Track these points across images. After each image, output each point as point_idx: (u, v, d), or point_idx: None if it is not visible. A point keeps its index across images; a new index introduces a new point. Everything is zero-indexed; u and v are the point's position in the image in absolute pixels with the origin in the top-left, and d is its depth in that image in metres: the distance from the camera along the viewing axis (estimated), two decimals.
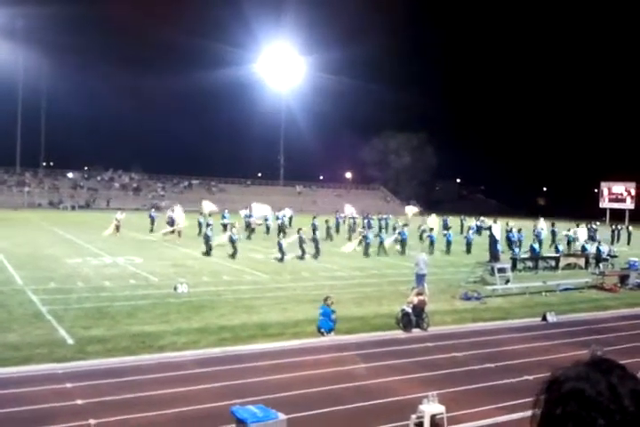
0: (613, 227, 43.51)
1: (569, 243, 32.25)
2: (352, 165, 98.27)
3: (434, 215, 37.92)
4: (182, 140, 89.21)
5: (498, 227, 25.19)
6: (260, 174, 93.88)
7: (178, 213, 34.28)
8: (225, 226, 36.97)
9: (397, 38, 78.72)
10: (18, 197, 65.20)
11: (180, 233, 32.28)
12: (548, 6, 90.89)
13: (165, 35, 71.98)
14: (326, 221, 35.40)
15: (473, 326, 15.47)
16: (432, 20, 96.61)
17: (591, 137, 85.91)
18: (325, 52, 78.55)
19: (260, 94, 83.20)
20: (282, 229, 33.59)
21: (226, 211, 39.33)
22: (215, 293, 18.19)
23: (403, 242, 30.19)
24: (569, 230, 33.00)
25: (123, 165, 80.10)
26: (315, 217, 34.50)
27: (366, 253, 28.87)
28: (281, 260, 25.41)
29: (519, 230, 30.42)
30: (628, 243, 40.72)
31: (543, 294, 20.16)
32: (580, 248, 29.83)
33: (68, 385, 9.80)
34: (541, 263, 26.50)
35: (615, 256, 28.69)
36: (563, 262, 26.52)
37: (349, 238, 33.58)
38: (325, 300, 13.98)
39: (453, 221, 41.82)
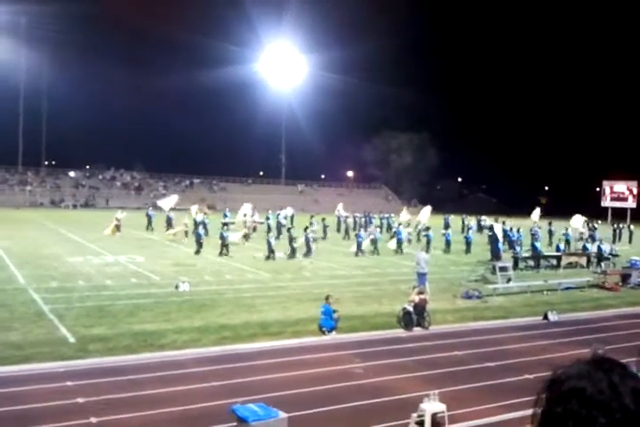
0: (615, 226, 43.48)
1: (567, 242, 32.20)
2: (354, 165, 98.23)
3: (426, 209, 37.53)
4: (184, 139, 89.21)
5: (499, 226, 25.20)
6: (261, 173, 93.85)
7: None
8: (225, 224, 37.04)
9: (399, 37, 78.62)
10: (20, 196, 65.26)
11: (186, 233, 32.28)
12: (548, 6, 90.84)
13: (167, 33, 72.06)
14: (323, 220, 35.45)
15: (474, 324, 15.48)
16: (434, 19, 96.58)
17: (593, 136, 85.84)
18: (327, 51, 78.51)
19: (261, 93, 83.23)
20: (270, 228, 33.85)
21: (227, 209, 39.37)
22: (216, 291, 18.21)
23: (399, 241, 30.26)
24: (567, 229, 32.99)
25: (124, 163, 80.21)
26: (312, 216, 34.70)
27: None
28: (268, 258, 25.55)
29: (518, 230, 30.44)
30: (630, 242, 40.70)
31: (544, 292, 20.15)
32: (581, 247, 29.83)
33: (70, 384, 9.81)
34: (543, 262, 26.52)
35: (617, 255, 28.71)
36: (564, 261, 26.51)
37: (345, 238, 33.78)
38: (327, 299, 13.99)
39: (455, 220, 41.81)
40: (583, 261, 27.24)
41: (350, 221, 39.78)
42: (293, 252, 26.41)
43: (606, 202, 72.82)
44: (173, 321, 14.11)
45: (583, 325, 15.96)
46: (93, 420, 8.39)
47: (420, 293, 14.93)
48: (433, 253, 28.54)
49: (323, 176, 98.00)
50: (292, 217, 41.48)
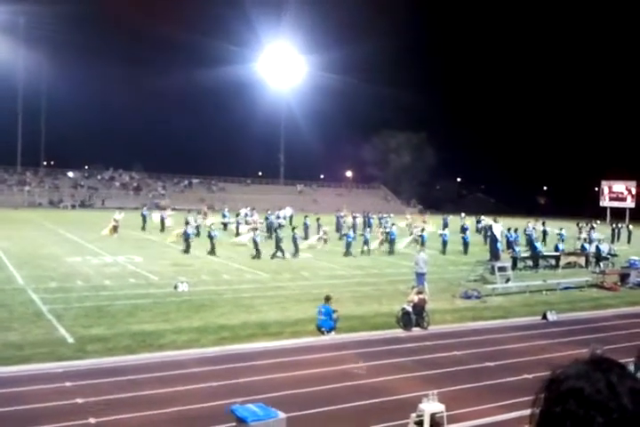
0: (614, 226, 43.48)
1: (562, 242, 32.14)
2: (352, 165, 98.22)
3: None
4: (183, 139, 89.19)
5: (498, 226, 25.17)
6: (260, 173, 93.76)
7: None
8: (225, 225, 37.09)
9: (399, 38, 78.46)
10: (18, 197, 65.18)
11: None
12: (548, 6, 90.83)
13: (166, 33, 71.83)
14: (317, 220, 35.47)
15: (473, 324, 15.49)
16: (433, 20, 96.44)
17: (591, 136, 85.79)
18: (326, 51, 78.41)
19: (260, 93, 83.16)
20: (269, 228, 33.90)
21: (226, 209, 39.37)
22: (215, 292, 18.20)
23: (391, 242, 30.28)
24: (561, 229, 32.99)
25: (123, 164, 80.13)
26: (306, 216, 34.94)
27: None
28: (256, 257, 25.60)
29: (515, 230, 30.43)
30: (629, 242, 40.68)
31: (543, 292, 20.17)
32: (579, 247, 29.85)
33: (68, 384, 9.80)
34: (542, 262, 26.53)
35: (615, 255, 28.70)
36: (563, 261, 26.53)
37: (340, 238, 33.94)
38: (328, 299, 13.99)
39: (454, 220, 41.82)
40: (582, 261, 27.25)
41: (350, 220, 39.75)
42: (282, 252, 26.27)
43: (605, 202, 72.79)
44: (172, 321, 14.11)
45: (582, 324, 15.97)
46: (92, 420, 8.38)
47: (419, 293, 14.94)
48: (431, 253, 28.49)
49: (322, 176, 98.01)
50: (290, 217, 41.49)
